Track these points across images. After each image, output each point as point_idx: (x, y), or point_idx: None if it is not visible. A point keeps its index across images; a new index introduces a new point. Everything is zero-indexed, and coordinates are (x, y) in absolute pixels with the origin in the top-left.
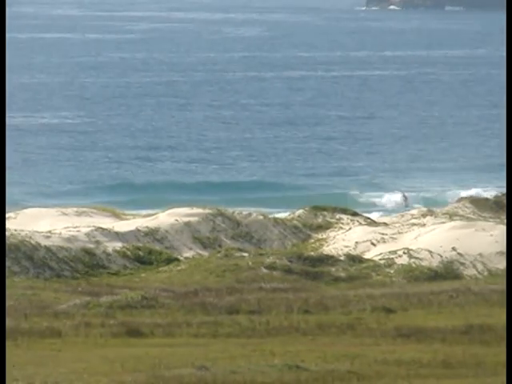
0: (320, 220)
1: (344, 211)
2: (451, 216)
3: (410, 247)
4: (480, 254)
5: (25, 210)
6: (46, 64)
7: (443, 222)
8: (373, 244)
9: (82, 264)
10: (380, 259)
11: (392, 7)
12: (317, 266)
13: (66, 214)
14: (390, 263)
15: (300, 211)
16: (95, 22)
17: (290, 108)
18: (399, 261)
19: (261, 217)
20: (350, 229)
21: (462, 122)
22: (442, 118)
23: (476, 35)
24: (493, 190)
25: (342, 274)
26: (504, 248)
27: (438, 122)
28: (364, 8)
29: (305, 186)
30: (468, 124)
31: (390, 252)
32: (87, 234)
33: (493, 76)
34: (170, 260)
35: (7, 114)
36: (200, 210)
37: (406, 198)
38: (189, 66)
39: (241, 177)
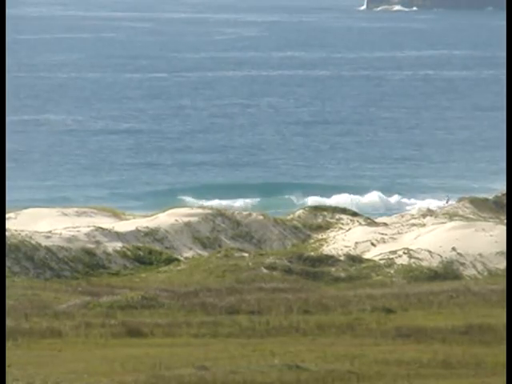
0: (320, 220)
1: (344, 211)
2: (451, 216)
3: (410, 247)
4: (480, 254)
5: (25, 210)
6: (72, 62)
7: (443, 222)
8: (373, 244)
9: (82, 264)
10: (380, 259)
11: (392, 7)
12: (317, 266)
13: (66, 214)
14: (390, 263)
15: (300, 211)
16: (120, 23)
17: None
18: (399, 261)
19: (261, 217)
20: (349, 229)
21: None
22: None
23: (484, 34)
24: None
25: (342, 274)
26: (504, 248)
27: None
28: (364, 7)
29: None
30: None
31: (390, 252)
32: (87, 234)
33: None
34: (170, 260)
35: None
36: (200, 210)
37: (448, 199)
38: (202, 66)
39: (285, 178)
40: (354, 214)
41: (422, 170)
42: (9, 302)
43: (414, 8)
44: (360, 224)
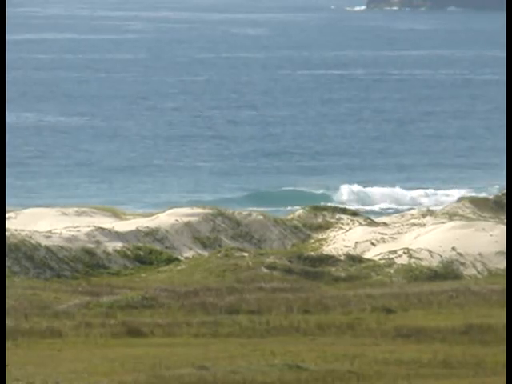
0: (320, 220)
1: (344, 211)
2: (451, 216)
3: (410, 247)
4: (480, 254)
5: (25, 210)
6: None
7: (443, 222)
8: (373, 244)
9: (82, 264)
10: (380, 259)
11: (392, 8)
12: (317, 266)
13: (66, 214)
14: (389, 263)
15: (300, 211)
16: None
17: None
18: (399, 261)
19: (261, 217)
20: (350, 229)
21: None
22: None
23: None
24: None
25: (342, 274)
26: (504, 248)
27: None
28: (364, 7)
29: None
30: None
31: (389, 252)
32: (87, 234)
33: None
34: (170, 260)
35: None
36: (200, 210)
37: None
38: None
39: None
40: (354, 214)
41: (423, 170)
42: (9, 302)
43: (414, 8)
44: (360, 224)
